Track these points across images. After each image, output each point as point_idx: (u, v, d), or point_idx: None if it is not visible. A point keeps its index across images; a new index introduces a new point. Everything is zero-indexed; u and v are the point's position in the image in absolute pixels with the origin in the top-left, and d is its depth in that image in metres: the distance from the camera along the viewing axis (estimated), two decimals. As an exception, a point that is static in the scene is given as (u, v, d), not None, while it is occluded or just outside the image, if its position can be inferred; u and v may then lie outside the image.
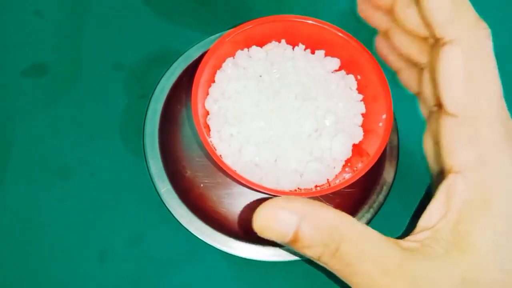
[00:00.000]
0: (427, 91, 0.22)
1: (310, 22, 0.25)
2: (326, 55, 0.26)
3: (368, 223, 0.26)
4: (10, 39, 0.30)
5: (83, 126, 0.28)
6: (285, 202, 0.18)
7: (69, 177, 0.27)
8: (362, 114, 0.25)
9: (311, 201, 0.18)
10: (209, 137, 0.24)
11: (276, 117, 0.24)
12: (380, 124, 0.24)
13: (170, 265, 0.25)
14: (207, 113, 0.25)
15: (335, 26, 0.25)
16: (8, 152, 0.27)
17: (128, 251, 0.25)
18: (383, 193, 0.27)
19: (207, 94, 0.25)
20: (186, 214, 0.25)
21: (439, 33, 0.18)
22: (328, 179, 0.24)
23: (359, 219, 0.26)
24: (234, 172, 0.22)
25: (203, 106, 0.25)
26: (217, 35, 0.28)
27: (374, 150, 0.24)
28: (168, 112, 0.27)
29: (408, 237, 0.18)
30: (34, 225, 0.26)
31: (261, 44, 0.26)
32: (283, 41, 0.26)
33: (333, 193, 0.26)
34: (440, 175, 0.23)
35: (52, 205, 0.26)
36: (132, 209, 0.26)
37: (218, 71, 0.25)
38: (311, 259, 0.18)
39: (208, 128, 0.24)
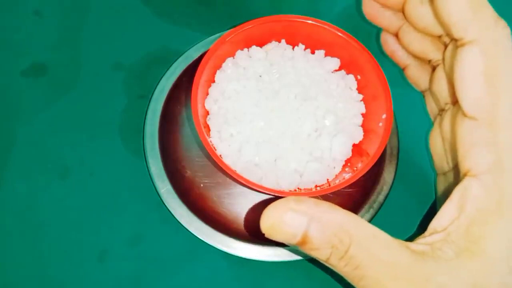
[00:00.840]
0: (439, 88, 0.22)
1: (310, 22, 0.25)
2: (326, 55, 0.26)
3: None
4: (10, 39, 0.30)
5: (83, 126, 0.28)
6: (295, 204, 0.17)
7: (69, 177, 0.27)
8: (362, 114, 0.25)
9: (321, 202, 0.17)
10: (209, 137, 0.24)
11: (276, 117, 0.24)
12: (380, 124, 0.24)
13: (170, 265, 0.25)
14: (207, 113, 0.25)
15: (335, 26, 0.25)
16: (8, 152, 0.27)
17: (128, 251, 0.25)
18: (383, 193, 0.27)
19: (207, 94, 0.25)
20: (186, 214, 0.25)
21: (457, 33, 0.18)
22: (328, 179, 0.24)
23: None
24: (234, 172, 0.22)
25: (203, 106, 0.25)
26: (217, 35, 0.28)
27: (374, 150, 0.24)
28: (168, 112, 0.27)
29: (418, 240, 0.18)
30: (34, 224, 0.26)
31: (261, 44, 0.26)
32: (283, 41, 0.26)
33: (333, 193, 0.26)
34: (447, 175, 0.22)
35: (51, 205, 0.26)
36: (132, 209, 0.26)
37: (218, 71, 0.25)
38: (319, 260, 0.18)
39: (208, 128, 0.24)
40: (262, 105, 0.24)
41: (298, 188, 0.24)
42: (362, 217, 0.26)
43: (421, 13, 0.20)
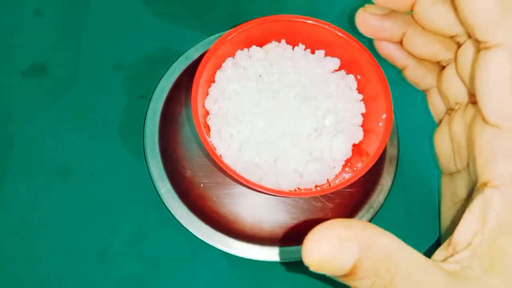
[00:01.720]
0: (450, 88, 0.21)
1: (310, 22, 0.25)
2: (326, 55, 0.26)
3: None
4: (10, 39, 0.30)
5: (83, 126, 0.28)
6: (344, 230, 0.15)
7: (69, 177, 0.27)
8: (362, 114, 0.25)
9: (366, 224, 0.16)
10: (209, 137, 0.24)
11: (276, 117, 0.24)
12: (380, 124, 0.24)
13: (170, 265, 0.25)
14: (207, 113, 0.25)
15: (335, 26, 0.25)
16: (8, 152, 0.27)
17: (128, 251, 0.25)
18: (383, 193, 0.27)
19: (207, 94, 0.25)
20: (186, 214, 0.25)
21: (481, 36, 0.17)
22: (328, 179, 0.24)
23: (359, 219, 0.26)
24: (234, 172, 0.22)
25: (203, 106, 0.25)
26: (217, 35, 0.28)
27: (374, 150, 0.24)
28: (168, 112, 0.27)
29: (449, 259, 0.17)
30: (34, 224, 0.26)
31: (261, 44, 0.26)
32: (283, 41, 0.26)
33: (333, 193, 0.26)
34: (454, 176, 0.22)
35: (52, 205, 0.26)
36: (132, 209, 0.26)
37: (218, 71, 0.25)
38: None
39: (208, 128, 0.24)
40: (262, 105, 0.24)
41: (298, 188, 0.24)
42: (362, 217, 0.26)
43: (433, 14, 0.19)
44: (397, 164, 0.27)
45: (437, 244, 0.26)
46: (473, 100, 0.18)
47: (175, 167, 0.27)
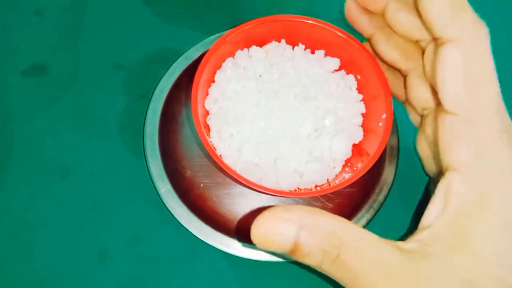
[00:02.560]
0: (414, 96, 0.22)
1: (310, 22, 0.25)
2: (326, 55, 0.26)
3: (368, 223, 0.26)
4: (10, 39, 0.30)
5: (83, 126, 0.28)
6: (283, 212, 0.17)
7: (69, 177, 0.27)
8: (362, 114, 0.25)
9: (309, 208, 0.18)
10: (209, 137, 0.24)
11: (275, 117, 0.24)
12: (380, 124, 0.24)
13: (170, 265, 0.25)
14: (207, 113, 0.25)
15: (335, 26, 0.25)
16: (8, 152, 0.27)
17: (128, 251, 0.25)
18: (383, 193, 0.27)
19: (207, 94, 0.25)
20: (186, 214, 0.25)
21: (438, 32, 0.18)
22: (328, 179, 0.24)
23: (359, 219, 0.26)
24: (234, 172, 0.22)
25: (203, 106, 0.25)
26: (217, 35, 0.28)
27: (374, 150, 0.23)
28: (168, 112, 0.27)
29: (409, 238, 0.18)
30: (34, 225, 0.26)
31: (261, 44, 0.26)
32: (283, 41, 0.26)
33: (333, 193, 0.26)
34: (438, 177, 0.23)
35: (52, 205, 0.26)
36: (132, 209, 0.26)
37: (218, 71, 0.25)
38: (311, 266, 0.18)
39: (208, 128, 0.24)
40: (262, 105, 0.24)
41: (298, 188, 0.24)
42: (362, 217, 0.26)
43: (400, 18, 0.21)
44: (397, 164, 0.27)
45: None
46: (438, 102, 0.19)
47: (175, 167, 0.27)
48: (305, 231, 0.17)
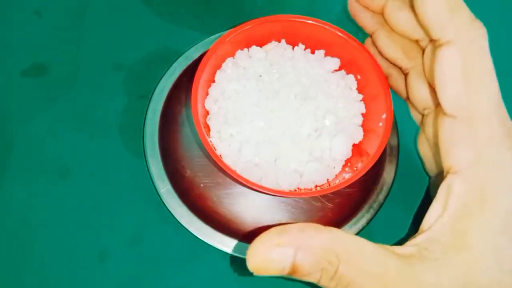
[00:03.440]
0: (415, 94, 0.22)
1: (310, 22, 0.25)
2: (326, 55, 0.26)
3: (368, 223, 0.26)
4: (10, 39, 0.30)
5: (83, 126, 0.28)
6: (277, 237, 0.17)
7: (69, 177, 0.27)
8: (362, 114, 0.25)
9: (304, 226, 0.17)
10: (209, 137, 0.24)
11: (276, 117, 0.24)
12: (380, 124, 0.24)
13: (170, 265, 0.25)
14: (207, 113, 0.25)
15: (335, 26, 0.25)
16: (8, 152, 0.27)
17: (128, 251, 0.25)
18: (383, 193, 0.27)
19: (207, 94, 0.25)
20: (186, 214, 0.25)
21: (435, 34, 0.18)
22: (328, 179, 0.24)
23: (359, 219, 0.26)
24: (234, 172, 0.22)
25: (203, 106, 0.25)
26: (217, 35, 0.28)
27: (374, 150, 0.23)
28: (168, 112, 0.27)
29: (408, 241, 0.18)
30: (34, 225, 0.26)
31: (261, 44, 0.26)
32: (283, 41, 0.26)
33: (333, 193, 0.26)
34: (438, 177, 0.23)
35: (52, 205, 0.26)
36: (132, 209, 0.26)
37: (218, 71, 0.25)
38: (311, 282, 0.18)
39: (208, 128, 0.24)
40: (262, 105, 0.24)
41: (298, 188, 0.24)
42: (362, 217, 0.26)
43: (400, 17, 0.21)
44: (397, 164, 0.27)
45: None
46: (438, 103, 0.19)
47: (175, 167, 0.27)
48: (301, 252, 0.17)
